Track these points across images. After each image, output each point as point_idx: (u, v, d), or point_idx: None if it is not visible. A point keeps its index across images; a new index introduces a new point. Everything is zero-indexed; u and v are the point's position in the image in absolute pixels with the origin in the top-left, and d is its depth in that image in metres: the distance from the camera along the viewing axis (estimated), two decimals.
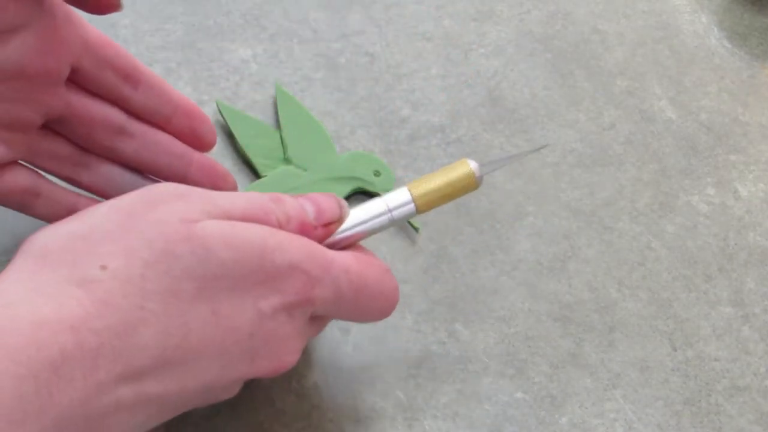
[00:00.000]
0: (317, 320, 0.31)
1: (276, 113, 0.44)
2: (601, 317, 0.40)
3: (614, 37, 0.52)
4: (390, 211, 0.32)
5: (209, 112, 0.43)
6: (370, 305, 0.31)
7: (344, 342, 0.38)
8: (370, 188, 0.42)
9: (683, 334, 0.41)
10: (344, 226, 0.32)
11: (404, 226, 0.42)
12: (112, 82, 0.34)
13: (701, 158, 0.47)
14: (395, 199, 0.32)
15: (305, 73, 0.46)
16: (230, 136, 0.43)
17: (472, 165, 0.32)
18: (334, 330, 0.38)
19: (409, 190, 0.32)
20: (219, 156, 0.42)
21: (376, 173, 0.42)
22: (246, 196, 0.29)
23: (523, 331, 0.39)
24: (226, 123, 0.42)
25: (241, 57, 0.46)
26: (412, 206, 0.32)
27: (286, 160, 0.42)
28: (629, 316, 0.41)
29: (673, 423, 0.38)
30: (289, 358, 0.29)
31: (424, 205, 0.32)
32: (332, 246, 0.31)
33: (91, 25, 0.33)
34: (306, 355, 0.37)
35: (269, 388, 0.36)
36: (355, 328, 0.38)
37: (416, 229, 0.41)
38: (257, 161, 0.41)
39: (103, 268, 0.25)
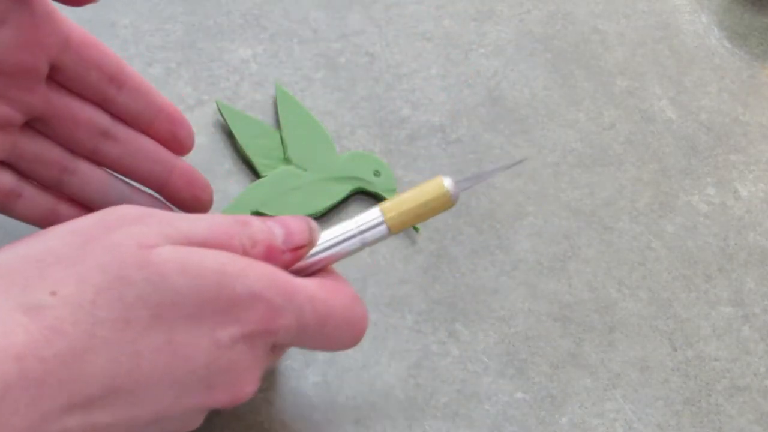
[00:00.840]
0: (278, 348, 0.30)
1: (276, 113, 0.44)
2: (601, 317, 0.40)
3: (614, 37, 0.52)
4: (362, 233, 0.31)
5: (209, 112, 0.43)
6: (336, 335, 0.30)
7: None
8: (370, 188, 0.42)
9: (683, 334, 0.41)
10: (315, 249, 0.31)
11: None
12: (95, 82, 0.33)
13: (701, 158, 0.47)
14: (367, 222, 0.31)
15: (305, 73, 0.46)
16: (230, 136, 0.43)
17: (446, 183, 0.31)
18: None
19: (382, 212, 0.31)
20: (219, 156, 0.42)
21: (376, 173, 0.42)
22: (210, 219, 0.28)
23: (523, 331, 0.39)
24: (226, 123, 0.42)
25: (241, 57, 0.46)
26: (384, 228, 0.31)
27: (286, 160, 0.42)
28: (629, 316, 0.41)
29: (673, 423, 0.38)
30: (248, 388, 0.28)
31: (397, 227, 0.31)
32: (301, 270, 0.31)
33: (75, 24, 0.33)
34: (306, 355, 0.37)
35: (269, 388, 0.36)
36: None
37: (416, 229, 0.41)
38: (257, 161, 0.41)
39: (54, 293, 0.24)
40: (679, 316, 0.41)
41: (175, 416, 0.27)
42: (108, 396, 0.25)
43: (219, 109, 0.43)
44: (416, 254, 0.41)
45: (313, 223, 0.31)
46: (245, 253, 0.28)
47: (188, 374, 0.26)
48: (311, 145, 0.42)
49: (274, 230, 0.30)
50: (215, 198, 0.40)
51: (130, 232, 0.26)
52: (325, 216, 0.41)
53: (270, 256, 0.29)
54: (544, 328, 0.40)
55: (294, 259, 0.30)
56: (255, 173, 0.42)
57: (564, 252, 0.42)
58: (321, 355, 0.37)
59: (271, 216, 0.31)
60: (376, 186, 0.42)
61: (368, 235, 0.31)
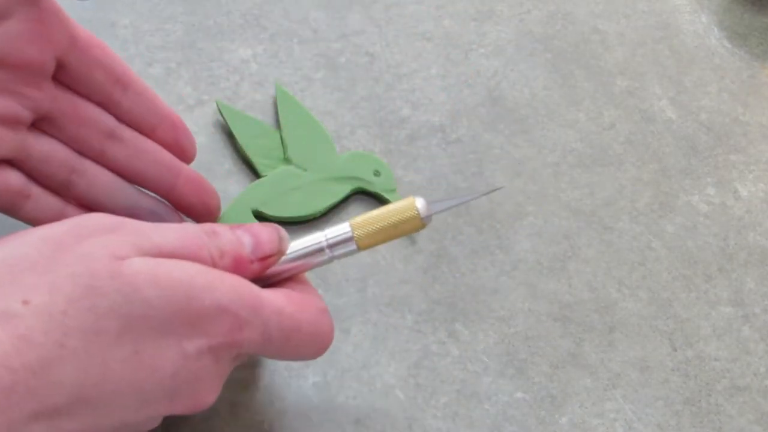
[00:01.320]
0: (241, 357, 0.30)
1: (276, 113, 0.44)
2: (601, 317, 0.40)
3: (614, 37, 0.52)
4: (330, 247, 0.31)
5: (209, 112, 0.43)
6: (301, 347, 0.30)
7: (344, 342, 0.38)
8: (370, 188, 0.42)
9: (683, 334, 0.41)
10: (284, 258, 0.31)
11: None
12: (101, 83, 0.33)
13: (701, 158, 0.47)
14: (337, 236, 0.31)
15: (305, 73, 0.46)
16: (230, 136, 0.43)
17: (419, 206, 0.31)
18: (334, 330, 0.38)
19: (352, 229, 0.31)
20: (219, 156, 0.42)
21: (376, 173, 0.42)
22: (180, 230, 0.29)
23: (523, 331, 0.39)
24: (226, 123, 0.42)
25: (241, 57, 0.46)
26: (353, 245, 0.31)
27: (286, 160, 0.42)
28: (629, 316, 0.41)
29: (673, 423, 0.38)
30: (209, 397, 0.29)
31: (366, 245, 0.32)
32: (269, 278, 0.31)
33: (81, 25, 0.33)
34: None
35: (269, 388, 0.36)
36: (355, 328, 0.38)
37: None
38: (257, 161, 0.41)
39: (26, 302, 0.24)
40: (679, 316, 0.41)
41: (136, 423, 0.27)
42: (75, 405, 0.25)
43: (219, 109, 0.43)
44: (416, 254, 0.41)
45: (283, 232, 0.31)
46: (214, 263, 0.29)
47: (154, 385, 0.27)
48: (311, 145, 0.42)
49: (243, 240, 0.30)
50: None
51: (102, 242, 0.26)
52: (325, 216, 0.41)
53: (238, 266, 0.29)
54: (544, 328, 0.40)
55: (262, 268, 0.30)
56: (255, 173, 0.42)
57: (564, 252, 0.42)
58: (321, 356, 0.37)
59: (241, 224, 0.31)
60: (376, 186, 0.42)
61: (337, 252, 0.32)
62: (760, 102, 0.50)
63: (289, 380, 0.36)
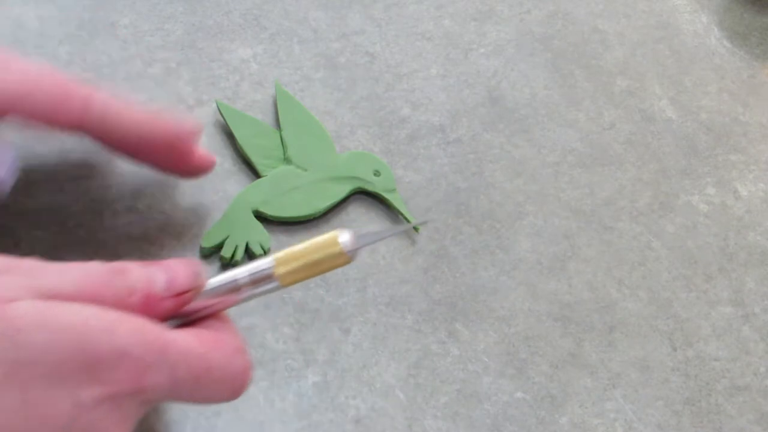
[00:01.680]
0: (149, 402, 0.29)
1: (276, 113, 0.44)
2: (601, 317, 0.40)
3: (614, 37, 0.52)
4: (253, 283, 0.30)
5: (209, 112, 0.43)
6: (213, 389, 0.28)
7: (344, 342, 0.38)
8: (370, 188, 0.42)
9: (683, 333, 0.41)
10: (203, 294, 0.30)
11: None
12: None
13: (701, 158, 0.47)
14: (259, 272, 0.30)
15: (305, 72, 0.46)
16: (230, 136, 0.43)
17: (342, 242, 0.29)
18: (334, 330, 0.38)
19: (275, 266, 0.30)
20: (219, 156, 0.42)
21: (376, 173, 0.42)
22: (81, 269, 0.27)
23: (523, 331, 0.39)
24: (226, 123, 0.42)
25: (241, 57, 0.46)
26: (275, 283, 0.30)
27: (286, 160, 0.42)
28: (629, 315, 0.41)
29: (673, 423, 0.38)
30: None
31: (289, 282, 0.30)
32: (187, 316, 0.30)
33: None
34: (306, 356, 0.37)
35: (269, 388, 0.36)
36: (355, 328, 0.38)
37: (416, 229, 0.41)
38: (257, 161, 0.41)
39: None
40: (679, 316, 0.41)
41: None
42: None
43: (219, 109, 0.43)
44: (416, 254, 0.41)
45: (200, 268, 0.30)
46: (121, 303, 0.27)
47: None
48: (311, 145, 0.42)
49: (155, 276, 0.28)
50: (216, 199, 0.40)
51: None
52: (325, 216, 0.41)
53: (149, 304, 0.28)
54: (544, 328, 0.40)
55: (179, 305, 0.29)
56: (255, 173, 0.42)
57: (564, 252, 0.42)
58: (321, 355, 0.37)
59: (157, 261, 0.29)
60: (376, 186, 0.42)
61: (258, 288, 0.30)
62: (760, 102, 0.50)
63: (289, 380, 0.36)
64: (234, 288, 0.30)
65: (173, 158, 0.36)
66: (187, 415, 0.34)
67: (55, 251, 0.37)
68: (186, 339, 0.28)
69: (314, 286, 0.39)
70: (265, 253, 0.39)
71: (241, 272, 0.30)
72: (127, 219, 0.39)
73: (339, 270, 0.39)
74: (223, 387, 0.29)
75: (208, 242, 0.38)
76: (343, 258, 0.30)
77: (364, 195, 0.42)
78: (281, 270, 0.30)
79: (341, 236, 0.29)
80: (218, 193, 0.41)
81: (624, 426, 0.37)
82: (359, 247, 0.30)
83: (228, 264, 0.38)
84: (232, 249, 0.38)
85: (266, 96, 0.45)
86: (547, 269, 0.41)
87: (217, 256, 0.39)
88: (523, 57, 0.50)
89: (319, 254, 0.30)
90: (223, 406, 0.35)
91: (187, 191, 0.40)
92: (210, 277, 0.30)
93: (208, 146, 0.42)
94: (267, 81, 0.45)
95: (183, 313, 0.30)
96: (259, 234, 0.39)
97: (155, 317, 0.28)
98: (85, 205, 0.39)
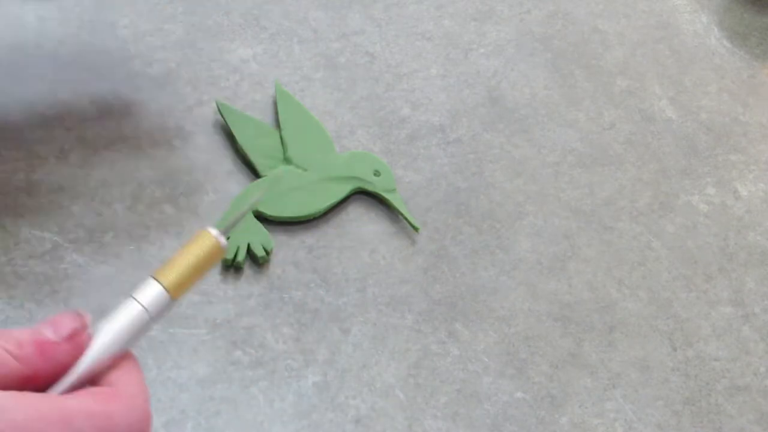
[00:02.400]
0: None
1: (276, 113, 0.44)
2: (601, 317, 0.40)
3: (614, 37, 0.52)
4: (146, 310, 0.30)
5: (209, 112, 0.43)
6: None
7: (344, 342, 0.38)
8: (370, 188, 0.42)
9: (683, 333, 0.41)
10: (104, 339, 0.29)
11: (404, 226, 0.42)
12: None
13: (701, 158, 0.47)
14: (147, 298, 0.30)
15: (305, 72, 0.46)
16: (230, 136, 0.43)
17: (214, 234, 0.30)
18: (334, 330, 0.38)
19: (159, 282, 0.30)
20: (219, 156, 0.42)
21: (376, 173, 0.42)
22: None
23: (523, 331, 0.39)
24: (226, 123, 0.42)
25: (241, 57, 0.46)
26: (167, 297, 0.30)
27: (286, 160, 0.42)
28: (629, 315, 0.41)
29: (673, 423, 0.38)
30: None
31: (179, 291, 0.30)
32: (96, 368, 0.29)
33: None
34: (306, 356, 0.37)
35: (269, 388, 0.36)
36: (355, 328, 0.38)
37: (416, 229, 0.41)
38: (257, 161, 0.41)
39: None
40: (679, 316, 0.41)
41: None
42: None
43: (219, 109, 0.43)
44: (416, 254, 0.41)
45: (80, 310, 0.29)
46: (14, 357, 0.27)
47: None
48: (311, 145, 0.42)
49: (39, 327, 0.28)
50: (216, 198, 0.40)
51: None
52: (325, 216, 0.41)
53: (44, 350, 0.27)
54: (544, 328, 0.40)
55: (77, 347, 0.28)
56: (255, 173, 0.42)
57: (564, 252, 0.42)
58: (321, 355, 0.37)
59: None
60: (376, 186, 0.42)
61: (153, 311, 0.30)
62: (759, 102, 0.50)
63: (289, 380, 0.36)
64: (131, 322, 0.30)
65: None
66: (188, 414, 0.35)
67: (54, 251, 0.37)
68: (83, 401, 0.27)
69: (314, 286, 0.39)
70: (267, 254, 0.39)
71: (129, 306, 0.30)
72: (128, 219, 0.39)
73: (339, 270, 0.39)
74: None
75: None
76: (220, 250, 0.30)
77: (364, 195, 0.42)
78: (167, 282, 0.30)
79: (212, 231, 0.30)
80: (218, 193, 0.41)
81: (624, 426, 0.37)
82: (228, 230, 0.30)
83: (230, 265, 0.38)
84: (234, 250, 0.38)
85: (266, 96, 0.45)
86: (547, 269, 0.41)
87: None
88: (523, 57, 0.50)
89: (199, 254, 0.30)
90: (223, 406, 0.35)
91: (188, 191, 0.40)
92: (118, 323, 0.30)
93: (208, 146, 0.42)
94: (267, 81, 0.45)
95: (94, 364, 0.29)
96: (260, 235, 0.39)
97: (58, 365, 0.28)
98: (85, 205, 0.39)
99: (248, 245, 0.39)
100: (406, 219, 0.41)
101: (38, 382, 0.28)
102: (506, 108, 0.47)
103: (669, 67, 0.51)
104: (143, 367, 0.35)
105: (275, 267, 0.39)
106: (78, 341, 0.28)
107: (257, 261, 0.39)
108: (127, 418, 0.28)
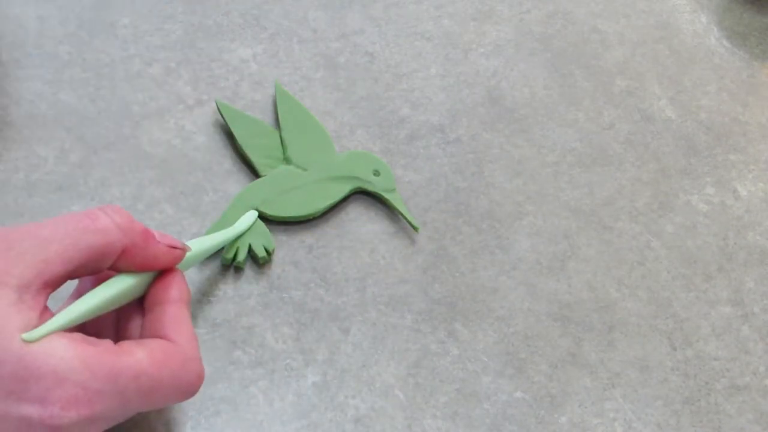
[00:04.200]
0: (107, 421, 0.29)
1: (276, 113, 0.44)
2: (600, 317, 0.40)
3: (614, 37, 0.52)
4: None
5: (209, 112, 0.43)
6: (166, 399, 0.29)
7: (344, 342, 0.38)
8: (370, 188, 0.42)
9: (683, 333, 0.41)
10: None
11: (404, 226, 0.42)
12: None
13: (701, 158, 0.47)
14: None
15: (305, 72, 0.46)
16: (230, 136, 0.43)
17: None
18: (333, 329, 0.38)
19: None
20: (219, 156, 0.42)
21: (376, 173, 0.42)
22: (57, 227, 0.28)
23: (522, 331, 0.39)
24: (226, 123, 0.42)
25: (240, 57, 0.46)
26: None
27: (286, 160, 0.42)
28: (629, 315, 0.41)
29: (672, 422, 0.38)
30: None
31: None
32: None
33: None
34: (306, 355, 0.37)
35: (269, 387, 0.36)
36: (354, 327, 0.38)
37: (416, 229, 0.41)
38: (257, 161, 0.41)
39: None
40: (679, 316, 0.41)
41: None
42: None
43: (219, 109, 0.43)
44: (416, 254, 0.41)
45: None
46: (120, 230, 0.29)
47: None
48: (311, 145, 0.42)
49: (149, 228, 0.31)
50: (216, 199, 0.40)
51: None
52: (325, 216, 0.41)
53: (147, 238, 0.30)
54: (544, 328, 0.40)
55: (172, 257, 0.31)
56: (255, 173, 0.42)
57: (563, 252, 0.42)
58: (320, 355, 0.37)
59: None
60: (375, 185, 0.42)
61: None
62: (759, 102, 0.50)
63: (288, 380, 0.36)
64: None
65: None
66: (187, 414, 0.35)
67: None
68: (138, 361, 0.28)
69: (314, 286, 0.39)
70: (269, 254, 0.39)
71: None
72: None
73: (339, 270, 0.40)
74: (173, 396, 0.30)
75: None
76: None
77: (364, 195, 0.42)
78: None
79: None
80: (218, 193, 0.41)
81: (623, 426, 0.37)
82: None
83: (230, 265, 0.38)
84: (234, 250, 0.38)
85: (266, 96, 0.45)
86: (547, 269, 0.42)
87: (217, 256, 0.39)
88: (523, 57, 0.50)
89: None
90: (223, 406, 0.35)
91: (187, 191, 0.41)
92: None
93: (208, 146, 0.42)
94: (267, 81, 0.45)
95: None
96: (262, 235, 0.39)
97: (148, 257, 0.30)
98: (85, 205, 0.39)
99: (249, 245, 0.39)
100: (405, 219, 0.41)
101: (130, 261, 0.30)
102: (506, 108, 0.47)
103: (668, 67, 0.51)
104: None
105: (275, 267, 0.39)
106: (175, 253, 0.31)
107: (258, 261, 0.39)
108: (173, 381, 0.29)
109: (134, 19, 0.46)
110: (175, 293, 0.31)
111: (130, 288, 0.31)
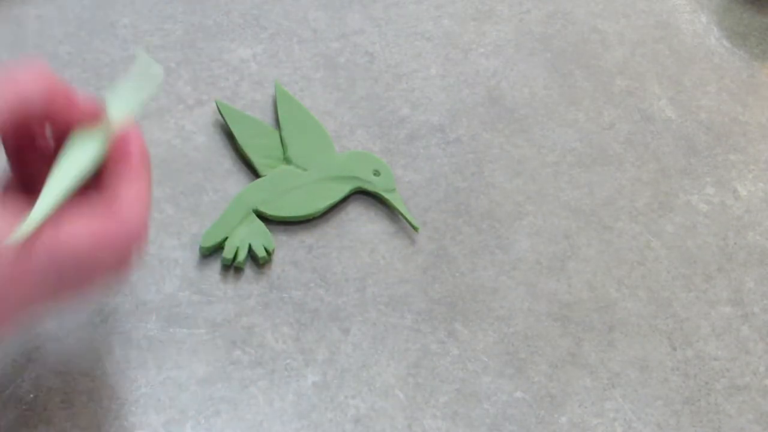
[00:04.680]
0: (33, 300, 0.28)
1: (276, 113, 0.44)
2: (600, 317, 0.40)
3: (614, 37, 0.52)
4: None
5: (209, 111, 0.43)
6: (101, 276, 0.28)
7: (344, 342, 0.38)
8: (370, 188, 0.42)
9: (683, 333, 0.41)
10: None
11: (404, 225, 0.42)
12: None
13: (701, 158, 0.47)
14: None
15: (305, 72, 0.46)
16: (230, 136, 0.43)
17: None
18: (333, 329, 0.38)
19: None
20: (219, 156, 0.42)
21: (376, 172, 0.42)
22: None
23: (522, 331, 0.39)
24: (226, 123, 0.42)
25: (240, 57, 0.46)
26: None
27: (286, 160, 0.42)
28: (629, 315, 0.41)
29: (672, 422, 0.38)
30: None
31: None
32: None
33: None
34: (306, 355, 0.37)
35: (269, 387, 0.36)
36: (354, 327, 0.38)
37: (416, 229, 0.41)
38: (257, 161, 0.41)
39: None
40: (679, 316, 0.41)
41: None
42: None
43: (219, 109, 0.43)
44: (416, 254, 0.41)
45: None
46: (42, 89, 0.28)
47: None
48: (311, 145, 0.42)
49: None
50: (216, 198, 0.40)
51: None
52: (325, 215, 0.41)
53: (70, 96, 0.29)
54: (544, 328, 0.40)
55: (92, 112, 0.30)
56: (255, 173, 0.42)
57: (563, 251, 0.42)
58: (320, 355, 0.37)
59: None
60: (375, 185, 0.42)
61: None
62: (759, 102, 0.50)
63: (288, 380, 0.36)
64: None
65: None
66: (187, 414, 0.35)
67: None
68: (76, 233, 0.27)
69: (314, 286, 0.39)
70: (269, 254, 0.39)
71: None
72: None
73: (339, 270, 0.40)
74: (109, 274, 0.29)
75: (207, 242, 0.38)
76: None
77: (364, 194, 0.42)
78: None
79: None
80: (218, 193, 0.41)
81: (623, 425, 0.37)
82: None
83: (230, 265, 0.38)
84: (234, 250, 0.38)
85: (266, 96, 0.45)
86: (547, 269, 0.42)
87: (217, 256, 0.39)
88: (523, 57, 0.50)
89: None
90: (223, 406, 0.35)
91: (187, 191, 0.41)
92: None
93: (208, 146, 0.42)
94: (267, 81, 0.45)
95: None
96: (262, 235, 0.39)
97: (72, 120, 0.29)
98: None
99: (249, 245, 0.39)
100: (405, 219, 0.41)
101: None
102: (506, 108, 0.47)
103: (668, 67, 0.51)
104: (143, 367, 0.35)
105: (275, 267, 0.39)
106: (95, 112, 0.29)
107: (258, 261, 0.39)
108: (119, 237, 0.28)
109: (134, 19, 0.46)
110: (132, 149, 0.30)
111: (85, 163, 0.29)
